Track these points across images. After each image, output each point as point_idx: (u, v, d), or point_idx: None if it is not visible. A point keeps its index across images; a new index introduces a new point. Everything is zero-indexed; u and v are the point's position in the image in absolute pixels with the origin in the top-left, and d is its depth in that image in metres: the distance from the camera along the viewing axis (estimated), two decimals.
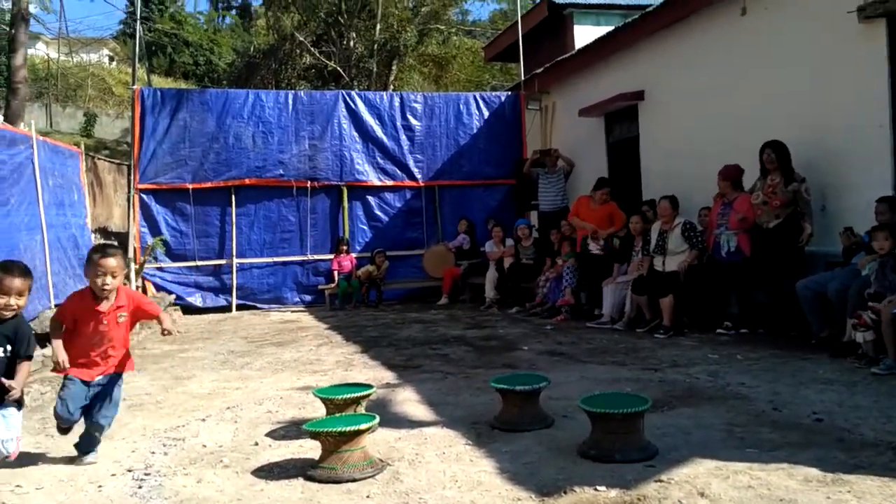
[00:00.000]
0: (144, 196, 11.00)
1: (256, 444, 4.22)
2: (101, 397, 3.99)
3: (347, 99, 12.02)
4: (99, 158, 13.16)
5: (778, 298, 6.85)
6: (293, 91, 13.23)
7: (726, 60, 8.57)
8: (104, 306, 3.93)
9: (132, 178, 11.03)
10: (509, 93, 13.40)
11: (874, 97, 6.64)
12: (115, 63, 34.93)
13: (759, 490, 3.15)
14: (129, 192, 11.27)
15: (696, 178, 8.46)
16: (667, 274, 7.60)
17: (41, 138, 9.05)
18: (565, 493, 3.23)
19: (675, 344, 6.81)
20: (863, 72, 6.75)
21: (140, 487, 3.56)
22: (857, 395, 4.64)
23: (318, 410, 4.57)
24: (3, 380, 3.51)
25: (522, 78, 13.34)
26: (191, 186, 11.10)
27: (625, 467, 3.50)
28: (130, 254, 9.76)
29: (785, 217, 6.98)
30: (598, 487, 3.27)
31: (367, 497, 3.32)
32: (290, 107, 11.66)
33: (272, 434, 4.40)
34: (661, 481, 3.32)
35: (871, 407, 4.36)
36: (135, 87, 11.29)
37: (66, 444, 4.33)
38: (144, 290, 10.53)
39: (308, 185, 11.58)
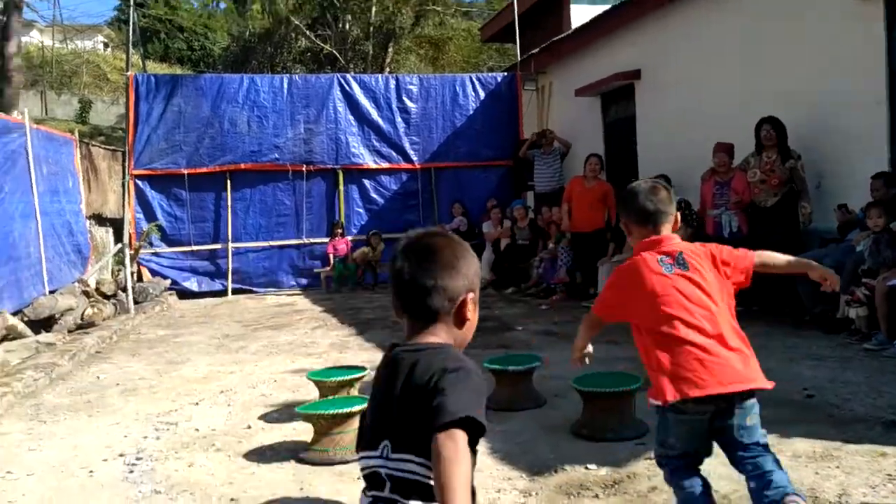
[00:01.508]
0: (139, 182, 10.97)
1: (249, 427, 4.22)
2: None
3: (342, 82, 11.94)
4: (93, 145, 13.09)
5: (774, 276, 6.82)
6: (288, 75, 13.15)
7: (723, 38, 8.48)
8: None
9: (127, 164, 10.99)
10: (505, 73, 13.31)
11: (872, 74, 6.57)
12: (109, 49, 34.73)
13: None
14: (123, 177, 11.23)
15: (692, 157, 8.41)
16: None
17: (35, 126, 8.99)
18: (556, 472, 3.24)
19: None
20: (860, 48, 6.68)
21: (131, 472, 3.57)
22: (849, 371, 4.65)
23: (311, 393, 4.57)
24: None
25: (519, 58, 13.24)
26: (186, 171, 11.06)
27: (616, 445, 3.50)
28: (125, 239, 9.73)
29: (782, 195, 6.95)
30: (589, 466, 3.28)
31: (359, 479, 3.32)
32: (286, 91, 11.59)
33: (265, 417, 4.40)
34: (651, 459, 3.31)
35: (863, 383, 4.37)
36: (129, 73, 11.22)
37: (57, 429, 4.34)
38: (140, 276, 10.52)
39: (304, 169, 11.53)
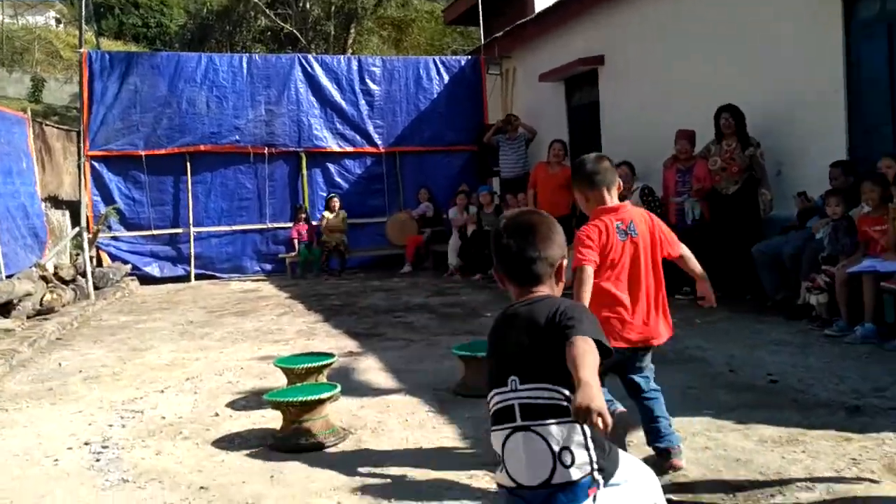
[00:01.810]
0: (96, 163, 10.70)
1: (217, 414, 4.18)
2: None
3: (304, 63, 11.76)
4: (47, 125, 12.71)
5: (735, 263, 6.95)
6: (248, 54, 12.91)
7: (686, 26, 8.55)
8: None
9: (82, 144, 10.70)
10: (469, 57, 13.26)
11: (830, 63, 6.70)
12: (62, 25, 33.70)
13: (716, 451, 3.22)
14: (79, 159, 10.94)
15: (655, 143, 8.49)
16: None
17: None
18: None
19: None
20: (819, 38, 6.81)
21: (98, 460, 3.51)
22: (811, 357, 4.76)
23: (279, 380, 4.53)
24: None
25: (482, 42, 13.20)
26: (143, 153, 10.81)
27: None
28: (83, 223, 9.50)
29: (743, 182, 7.06)
30: None
31: (329, 466, 3.32)
32: (245, 71, 11.37)
33: (232, 405, 4.36)
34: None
35: (824, 368, 4.48)
36: (82, 49, 10.90)
37: (20, 417, 4.25)
38: (99, 261, 10.29)
39: (265, 152, 11.35)
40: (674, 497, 2.79)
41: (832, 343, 5.09)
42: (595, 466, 1.77)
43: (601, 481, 1.77)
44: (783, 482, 2.86)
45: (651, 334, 3.04)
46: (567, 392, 1.75)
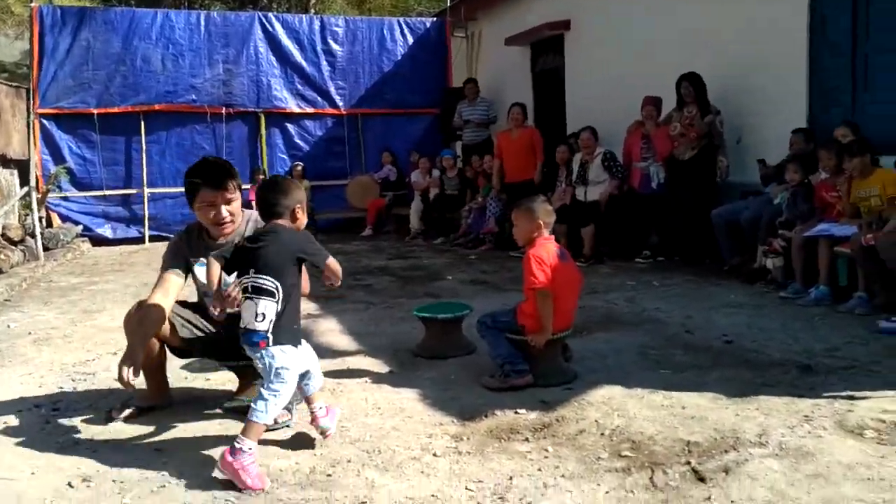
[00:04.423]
0: (46, 121, 10.37)
1: (171, 376, 4.09)
2: None
3: (264, 21, 11.49)
4: None
5: (693, 227, 7.03)
6: (205, 11, 12.55)
7: None
8: None
9: (32, 102, 10.36)
10: (435, 19, 13.06)
11: (793, 34, 6.73)
12: None
13: (672, 409, 3.25)
14: (28, 117, 10.59)
15: (619, 108, 8.49)
16: (588, 203, 7.67)
17: None
18: (486, 416, 3.27)
19: (594, 272, 6.93)
20: (783, 8, 6.83)
21: (48, 422, 3.42)
22: (765, 318, 4.84)
23: None
24: None
25: (448, 4, 13.01)
26: (96, 111, 10.50)
27: (544, 391, 3.56)
28: (32, 182, 9.21)
29: (700, 149, 7.11)
30: (519, 410, 3.32)
31: (286, 427, 3.28)
32: (203, 28, 11.07)
33: (188, 367, 4.27)
34: (579, 403, 3.39)
35: (778, 329, 4.56)
36: (33, 4, 10.51)
37: None
38: (49, 222, 10.01)
39: (223, 112, 11.11)
40: (629, 453, 2.81)
41: (786, 305, 5.18)
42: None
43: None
44: (737, 438, 2.90)
45: None
46: None
